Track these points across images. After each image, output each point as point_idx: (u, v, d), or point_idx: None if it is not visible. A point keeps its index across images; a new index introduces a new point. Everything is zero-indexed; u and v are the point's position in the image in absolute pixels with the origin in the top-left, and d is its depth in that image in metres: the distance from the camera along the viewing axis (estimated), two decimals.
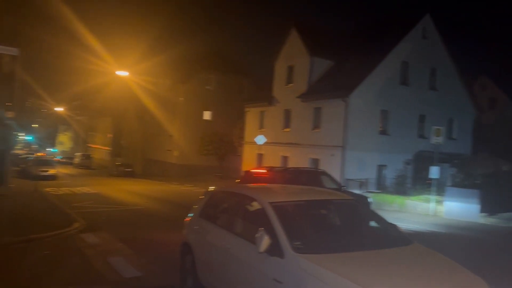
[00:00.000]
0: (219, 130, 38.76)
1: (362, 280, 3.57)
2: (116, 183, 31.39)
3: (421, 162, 23.91)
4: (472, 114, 28.22)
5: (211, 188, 6.94)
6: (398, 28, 24.59)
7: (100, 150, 64.98)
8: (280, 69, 27.95)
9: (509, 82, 39.91)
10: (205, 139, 38.74)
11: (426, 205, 17.66)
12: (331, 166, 21.74)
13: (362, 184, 20.74)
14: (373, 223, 5.31)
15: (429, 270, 4.16)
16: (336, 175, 21.32)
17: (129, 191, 24.41)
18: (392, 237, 4.95)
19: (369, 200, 13.73)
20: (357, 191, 16.48)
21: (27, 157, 45.31)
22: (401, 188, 21.29)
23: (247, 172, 15.12)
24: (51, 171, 31.31)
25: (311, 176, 13.26)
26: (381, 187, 22.44)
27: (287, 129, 26.92)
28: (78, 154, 61.00)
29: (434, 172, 17.51)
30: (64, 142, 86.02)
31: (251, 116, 31.16)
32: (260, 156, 28.81)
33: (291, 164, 24.97)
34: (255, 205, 5.23)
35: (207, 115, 41.49)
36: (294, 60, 26.58)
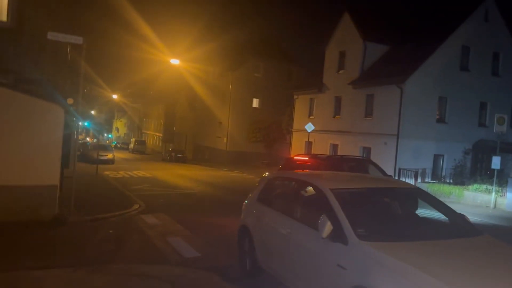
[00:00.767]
0: (268, 118, 38.88)
1: (434, 271, 3.49)
2: (169, 168, 32.50)
3: (481, 151, 22.74)
4: None
5: (266, 174, 7.01)
6: (459, 11, 23.24)
7: (153, 136, 67.40)
8: (331, 55, 27.41)
9: None
10: (253, 126, 39.06)
11: (487, 196, 16.81)
12: (384, 155, 21.20)
13: (416, 174, 20.06)
14: (439, 213, 5.14)
15: (502, 261, 3.99)
16: (389, 164, 20.83)
17: (182, 176, 25.18)
18: (460, 228, 4.79)
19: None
20: (409, 182, 15.95)
21: (86, 142, 47.90)
22: (459, 178, 20.36)
23: (289, 159, 15.02)
24: (109, 156, 32.96)
25: (357, 164, 12.91)
26: (437, 177, 21.58)
27: (337, 117, 26.48)
28: (133, 139, 63.60)
29: (495, 162, 16.59)
30: (119, 128, 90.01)
31: (300, 103, 30.92)
32: (309, 144, 28.59)
33: (341, 152, 24.61)
34: (314, 191, 5.24)
35: (255, 103, 41.71)
36: (346, 46, 25.96)
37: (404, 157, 21.01)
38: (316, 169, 11.45)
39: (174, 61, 31.71)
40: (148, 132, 70.65)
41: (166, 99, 58.38)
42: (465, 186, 18.62)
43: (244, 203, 7.03)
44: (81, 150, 34.63)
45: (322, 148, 26.73)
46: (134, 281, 5.71)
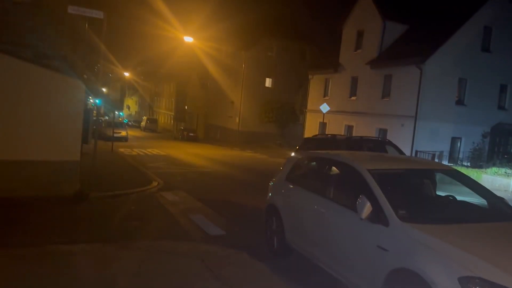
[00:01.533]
0: (281, 98, 38.56)
1: (484, 254, 3.39)
2: (182, 146, 32.57)
3: (500, 135, 22.35)
4: None
5: (293, 153, 6.91)
6: None
7: (165, 114, 67.44)
8: (348, 34, 26.85)
9: None
10: (266, 106, 38.78)
11: (506, 180, 16.56)
12: (401, 137, 20.92)
13: (434, 156, 19.81)
14: (478, 196, 5.01)
15: None
16: (406, 146, 20.58)
17: (195, 154, 25.22)
18: (501, 211, 4.67)
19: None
20: None
21: (99, 119, 48.03)
22: (477, 162, 20.08)
23: (307, 139, 14.81)
24: (123, 133, 33.09)
25: (376, 145, 12.73)
26: (455, 160, 21.31)
27: (353, 97, 26.11)
28: (144, 118, 63.73)
29: None
30: (130, 106, 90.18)
31: (315, 83, 30.51)
32: (323, 125, 28.35)
33: (356, 134, 24.36)
34: (349, 171, 5.11)
35: (268, 82, 41.32)
36: (365, 25, 25.37)
37: (422, 139, 20.73)
38: (336, 149, 11.28)
39: (188, 39, 31.28)
40: (159, 111, 70.72)
41: (177, 78, 58.13)
42: (483, 170, 18.37)
43: (270, 183, 6.94)
44: (95, 127, 34.77)
45: (336, 129, 26.46)
46: (163, 257, 5.71)
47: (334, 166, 5.61)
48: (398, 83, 22.32)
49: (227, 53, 43.22)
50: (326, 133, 27.33)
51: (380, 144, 13.11)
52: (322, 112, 24.03)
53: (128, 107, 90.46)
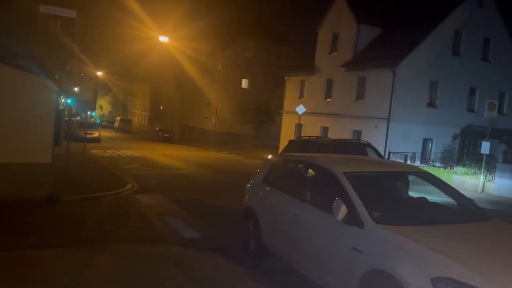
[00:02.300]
0: (257, 99, 38.64)
1: (455, 255, 3.50)
2: (157, 147, 32.19)
3: (469, 136, 23.07)
4: None
5: (270, 156, 6.95)
6: None
7: (139, 115, 66.48)
8: (324, 36, 27.18)
9: None
10: (242, 107, 38.78)
11: (475, 181, 17.14)
12: (374, 138, 21.27)
13: (406, 157, 20.28)
14: (449, 198, 5.16)
15: None
16: (380, 147, 20.87)
17: (170, 156, 24.97)
18: (471, 212, 4.83)
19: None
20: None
21: (71, 120, 46.90)
22: (448, 162, 20.68)
23: (292, 141, 14.99)
24: (95, 134, 32.41)
25: (359, 148, 13.04)
26: (426, 161, 21.87)
27: (329, 99, 26.45)
28: (118, 118, 62.61)
29: (485, 147, 16.84)
30: (103, 106, 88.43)
31: (291, 85, 30.73)
32: (299, 126, 28.59)
33: (332, 135, 24.69)
34: (325, 174, 5.18)
35: (245, 83, 41.34)
36: (340, 28, 25.75)
37: (394, 140, 21.21)
38: (321, 152, 11.43)
39: (163, 38, 30.99)
40: (133, 111, 69.65)
41: (152, 78, 57.38)
42: (453, 170, 18.94)
43: (247, 185, 6.95)
44: (66, 127, 33.96)
45: (312, 130, 26.72)
46: (139, 261, 5.63)
47: (310, 168, 5.66)
48: (372, 86, 22.76)
49: (203, 53, 42.95)
50: (307, 135, 27.57)
51: (361, 146, 13.45)
52: (298, 113, 24.23)
53: (101, 107, 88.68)
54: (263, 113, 38.41)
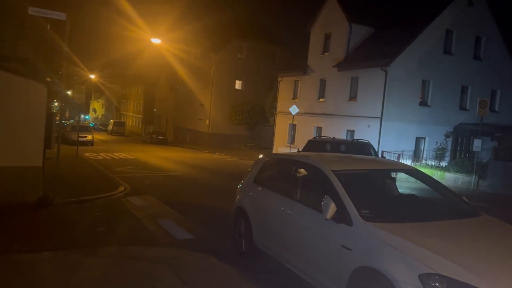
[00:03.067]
0: (251, 100, 38.65)
1: (443, 251, 3.51)
2: (150, 149, 32.08)
3: (462, 134, 23.21)
4: None
5: (261, 155, 6.94)
6: None
7: (132, 117, 66.25)
8: (316, 37, 27.24)
9: None
10: (236, 108, 38.77)
11: (468, 178, 17.24)
12: (368, 137, 21.16)
13: (399, 156, 20.36)
14: (439, 195, 5.18)
15: (505, 241, 4.05)
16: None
17: (164, 158, 24.89)
18: (460, 208, 4.84)
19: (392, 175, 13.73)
20: None
21: (64, 122, 46.64)
22: (441, 160, 20.79)
23: (310, 141, 15.37)
24: (88, 137, 32.21)
25: (361, 147, 13.63)
26: (419, 159, 21.97)
27: (322, 99, 26.49)
28: (111, 121, 62.36)
29: (477, 145, 16.97)
30: (96, 109, 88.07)
31: (284, 85, 30.76)
32: (292, 127, 28.64)
33: (326, 135, 24.73)
34: (315, 172, 5.19)
35: (238, 84, 41.33)
36: (332, 28, 25.81)
37: (387, 139, 21.28)
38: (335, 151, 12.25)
39: (155, 40, 30.88)
40: (127, 114, 69.40)
41: (146, 80, 57.29)
42: (446, 168, 19.03)
43: (238, 185, 6.94)
44: (58, 131, 33.66)
45: (306, 131, 26.79)
46: (129, 263, 5.59)
47: (300, 167, 5.66)
48: (364, 85, 22.82)
49: (196, 55, 42.96)
50: (296, 135, 27.72)
51: (365, 146, 13.92)
52: (291, 114, 24.24)
53: (94, 110, 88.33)
54: (257, 114, 38.42)
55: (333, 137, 15.30)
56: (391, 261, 3.63)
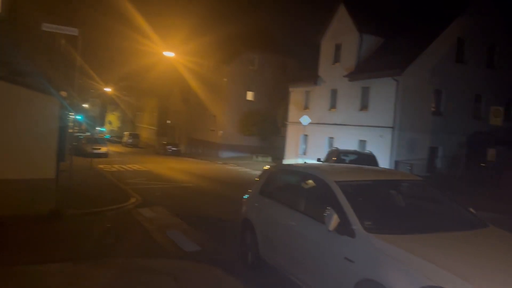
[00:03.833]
0: (262, 111, 38.76)
1: (446, 263, 3.46)
2: (164, 161, 32.33)
3: (476, 144, 22.82)
4: None
5: (267, 166, 6.96)
6: (455, 3, 23.22)
7: (147, 129, 66.97)
8: (327, 47, 27.30)
9: None
10: (247, 119, 38.90)
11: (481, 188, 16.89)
12: (380, 148, 21.23)
13: (412, 166, 20.12)
14: (444, 206, 5.12)
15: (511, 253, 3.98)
16: (385, 156, 20.90)
17: (177, 169, 25.05)
18: (467, 220, 4.77)
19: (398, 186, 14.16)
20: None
21: (79, 135, 47.49)
22: (455, 170, 20.46)
23: (335, 151, 16.21)
24: (103, 149, 32.66)
25: (368, 158, 13.86)
26: (433, 169, 21.67)
27: (333, 109, 26.43)
28: (126, 133, 63.09)
29: (491, 154, 16.67)
30: (112, 121, 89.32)
31: (296, 96, 30.82)
32: (304, 137, 28.60)
33: (338, 145, 24.62)
34: (318, 184, 5.18)
35: (250, 96, 41.52)
36: (342, 38, 25.85)
37: (400, 149, 21.07)
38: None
39: (168, 54, 31.35)
40: (141, 125, 70.17)
41: (159, 92, 57.94)
42: (459, 178, 18.71)
43: (244, 196, 6.96)
44: (74, 143, 34.29)
45: (318, 141, 26.73)
46: (136, 275, 5.64)
47: (305, 178, 5.66)
48: (376, 95, 22.72)
49: (208, 67, 43.38)
50: (308, 145, 27.64)
51: (371, 157, 14.20)
52: (303, 124, 24.27)
53: (110, 123, 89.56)
54: (268, 125, 38.47)
55: (336, 148, 15.87)
56: (392, 273, 3.60)
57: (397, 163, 20.53)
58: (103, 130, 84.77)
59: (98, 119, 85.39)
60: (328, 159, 16.94)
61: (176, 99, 53.67)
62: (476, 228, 4.53)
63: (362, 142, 23.39)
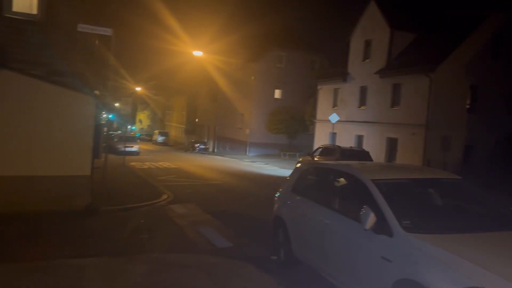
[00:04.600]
0: (290, 108, 38.60)
1: (487, 263, 3.35)
2: (193, 159, 32.74)
3: None
4: None
5: (299, 164, 6.93)
6: None
7: (176, 127, 67.99)
8: (356, 44, 26.90)
9: None
10: (275, 117, 38.83)
11: None
12: (412, 146, 20.79)
13: (445, 165, 19.55)
14: (484, 205, 4.95)
15: None
16: (417, 155, 20.45)
17: (205, 167, 25.32)
18: (508, 220, 4.60)
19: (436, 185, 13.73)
20: None
21: (111, 133, 48.68)
22: (491, 170, 19.76)
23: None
24: (135, 147, 33.42)
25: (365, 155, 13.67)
26: (468, 168, 20.97)
27: (363, 107, 26.03)
28: (156, 131, 64.30)
29: None
30: (142, 120, 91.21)
31: (324, 93, 30.53)
32: (333, 135, 28.30)
33: (367, 143, 24.27)
34: (353, 182, 5.11)
35: (278, 94, 41.45)
36: (372, 34, 25.40)
37: (433, 148, 20.49)
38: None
39: (197, 53, 31.73)
40: (170, 124, 71.31)
41: (188, 91, 58.69)
42: (497, 178, 18.06)
43: (276, 194, 6.95)
44: (107, 141, 35.13)
45: (347, 139, 26.39)
46: (169, 270, 5.73)
47: (338, 176, 5.60)
48: (407, 92, 22.22)
49: (236, 65, 43.59)
50: (337, 143, 27.32)
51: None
52: (331, 122, 24.02)
53: (141, 121, 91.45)
54: (297, 123, 38.28)
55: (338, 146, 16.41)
56: (432, 273, 3.51)
57: (430, 161, 20.01)
58: (134, 128, 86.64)
59: (129, 117, 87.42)
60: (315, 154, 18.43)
61: (205, 97, 54.20)
62: None
63: (393, 140, 22.94)
